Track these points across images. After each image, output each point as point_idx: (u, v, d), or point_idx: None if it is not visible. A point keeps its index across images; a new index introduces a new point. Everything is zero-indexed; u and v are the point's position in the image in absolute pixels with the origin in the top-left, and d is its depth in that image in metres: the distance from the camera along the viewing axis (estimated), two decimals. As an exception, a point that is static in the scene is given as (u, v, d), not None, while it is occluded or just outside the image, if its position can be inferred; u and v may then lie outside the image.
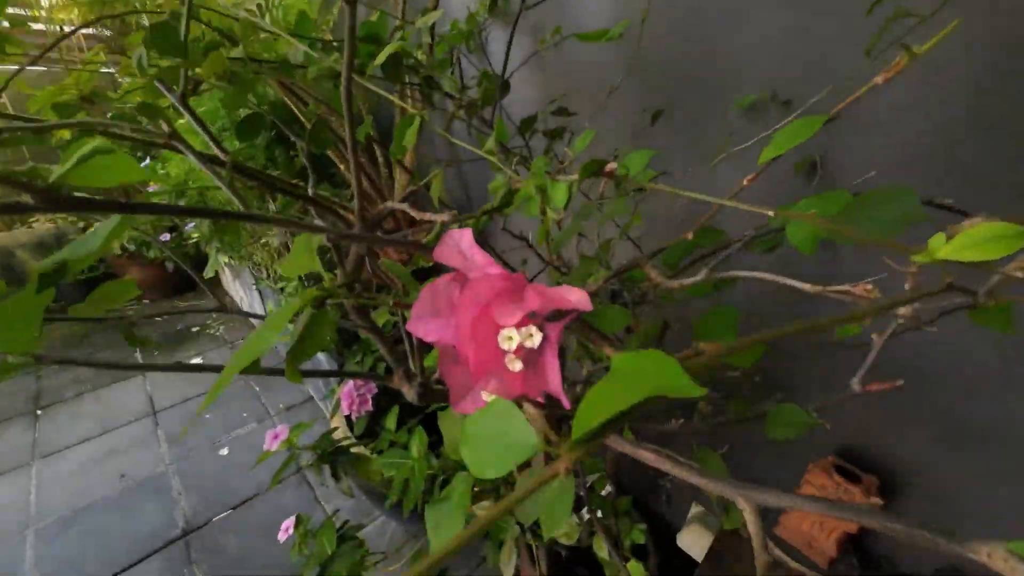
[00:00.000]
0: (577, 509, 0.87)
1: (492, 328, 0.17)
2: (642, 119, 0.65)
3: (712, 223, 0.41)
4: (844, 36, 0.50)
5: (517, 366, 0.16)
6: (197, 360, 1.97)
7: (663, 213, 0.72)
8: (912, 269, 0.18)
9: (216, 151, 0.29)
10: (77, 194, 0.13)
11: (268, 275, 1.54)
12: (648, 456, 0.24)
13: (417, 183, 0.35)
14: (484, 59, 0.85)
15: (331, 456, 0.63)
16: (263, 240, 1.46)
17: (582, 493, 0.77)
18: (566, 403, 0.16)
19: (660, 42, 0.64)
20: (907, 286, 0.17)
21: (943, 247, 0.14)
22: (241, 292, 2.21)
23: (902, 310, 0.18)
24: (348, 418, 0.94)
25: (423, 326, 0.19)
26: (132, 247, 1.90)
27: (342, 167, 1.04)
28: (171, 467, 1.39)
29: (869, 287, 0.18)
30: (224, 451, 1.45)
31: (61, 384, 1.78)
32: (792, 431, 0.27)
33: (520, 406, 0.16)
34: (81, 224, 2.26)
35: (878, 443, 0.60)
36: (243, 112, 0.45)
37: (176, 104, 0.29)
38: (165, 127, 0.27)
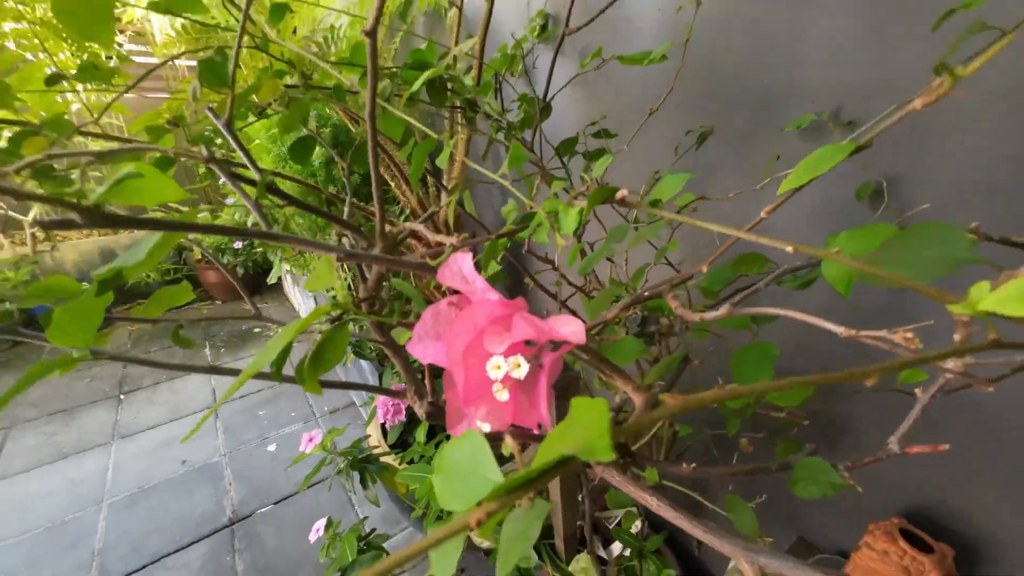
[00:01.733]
0: (606, 545, 0.83)
1: (484, 355, 0.17)
2: (689, 139, 0.63)
3: (759, 251, 0.39)
4: (916, 50, 0.46)
5: (504, 396, 0.16)
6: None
7: (705, 238, 0.68)
8: (963, 319, 0.15)
9: (254, 171, 0.32)
10: (115, 211, 0.15)
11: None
12: (648, 499, 0.22)
13: (438, 204, 0.36)
14: (529, 82, 0.87)
15: (360, 464, 0.65)
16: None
17: (609, 527, 0.73)
18: (553, 439, 0.16)
19: (711, 58, 0.62)
20: (956, 338, 0.15)
21: (986, 298, 0.12)
22: (299, 298, 2.36)
23: (950, 364, 0.15)
24: (383, 426, 0.97)
25: (423, 348, 0.19)
26: (210, 252, 2.10)
27: (392, 184, 1.09)
28: (224, 458, 1.50)
29: (910, 335, 0.15)
30: (272, 447, 1.54)
31: (142, 372, 1.99)
32: (818, 490, 0.23)
33: (503, 436, 0.15)
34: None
35: (953, 506, 0.52)
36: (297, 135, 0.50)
37: (222, 129, 0.33)
38: (205, 151, 0.30)
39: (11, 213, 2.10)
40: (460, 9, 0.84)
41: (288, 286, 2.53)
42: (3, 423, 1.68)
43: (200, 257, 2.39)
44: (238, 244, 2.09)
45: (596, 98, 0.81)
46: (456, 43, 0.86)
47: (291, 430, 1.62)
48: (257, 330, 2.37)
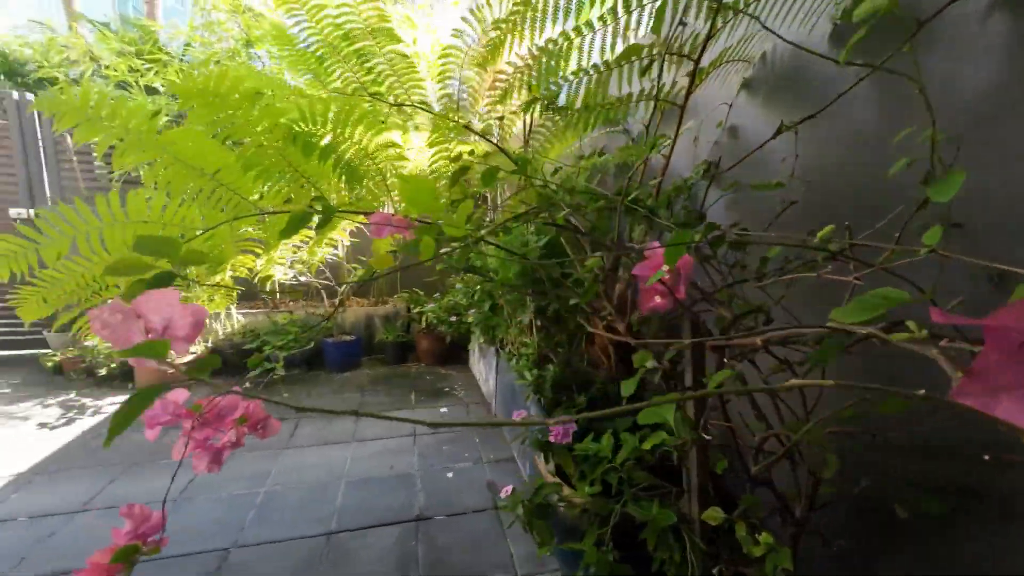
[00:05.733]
0: None
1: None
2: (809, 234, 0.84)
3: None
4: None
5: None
6: (443, 410, 2.64)
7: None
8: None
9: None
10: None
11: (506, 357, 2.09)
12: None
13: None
14: (694, 201, 1.21)
15: (547, 444, 0.93)
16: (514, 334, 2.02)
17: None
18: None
19: (823, 176, 0.86)
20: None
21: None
22: (482, 369, 2.90)
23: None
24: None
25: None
26: (434, 322, 2.87)
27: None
28: (417, 472, 1.92)
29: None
30: (450, 475, 1.90)
31: (373, 403, 2.71)
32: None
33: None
34: (404, 306, 3.53)
35: None
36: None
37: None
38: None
39: (335, 286, 3.32)
40: (644, 164, 1.28)
41: (475, 358, 3.13)
42: (296, 416, 2.51)
43: (422, 327, 3.23)
44: (453, 317, 2.81)
45: (740, 206, 1.09)
46: (640, 180, 1.28)
47: (464, 466, 1.97)
48: (447, 389, 2.96)
